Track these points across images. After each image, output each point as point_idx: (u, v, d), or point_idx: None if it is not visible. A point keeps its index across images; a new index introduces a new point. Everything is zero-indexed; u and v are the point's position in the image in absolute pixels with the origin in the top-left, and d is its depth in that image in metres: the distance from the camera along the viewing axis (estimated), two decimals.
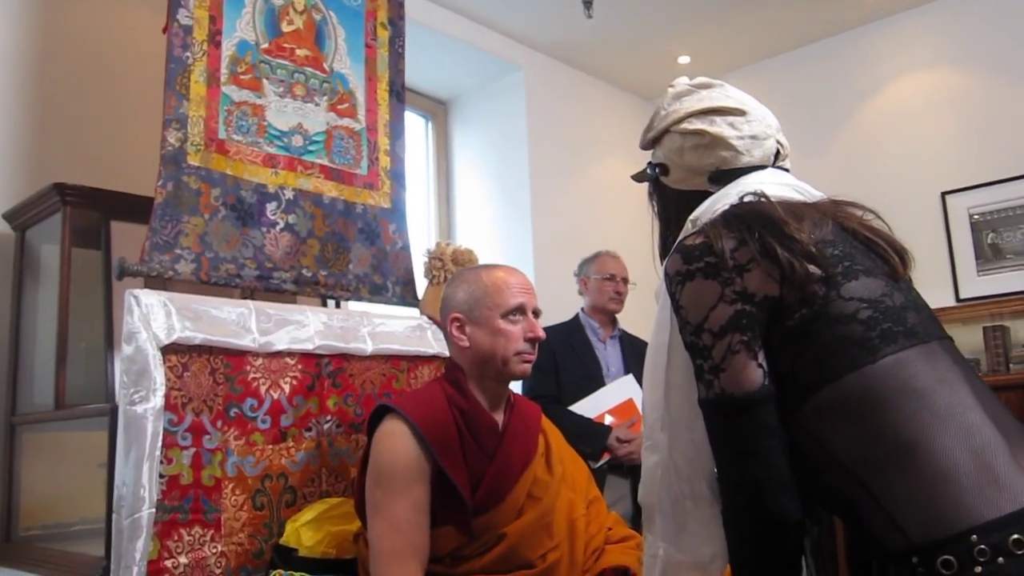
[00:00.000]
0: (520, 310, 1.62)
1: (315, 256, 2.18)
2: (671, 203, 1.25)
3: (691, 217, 1.16)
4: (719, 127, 1.19)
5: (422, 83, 4.03)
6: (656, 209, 1.29)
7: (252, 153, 2.09)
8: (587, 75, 4.43)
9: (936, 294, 3.61)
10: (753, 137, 1.19)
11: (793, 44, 4.24)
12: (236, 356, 1.81)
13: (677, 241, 1.11)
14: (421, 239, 3.76)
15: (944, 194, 3.69)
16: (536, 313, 1.66)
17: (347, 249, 2.26)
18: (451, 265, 2.30)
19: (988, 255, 3.56)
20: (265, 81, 2.16)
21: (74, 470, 2.20)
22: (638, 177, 1.32)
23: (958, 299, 3.60)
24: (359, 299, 2.28)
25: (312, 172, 2.23)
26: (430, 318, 2.27)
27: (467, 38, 3.82)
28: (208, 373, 1.74)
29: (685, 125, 1.21)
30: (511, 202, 4.00)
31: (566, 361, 2.82)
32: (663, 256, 1.24)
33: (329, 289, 2.20)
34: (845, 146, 4.06)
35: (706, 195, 1.18)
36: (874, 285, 1.01)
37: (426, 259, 2.37)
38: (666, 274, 1.07)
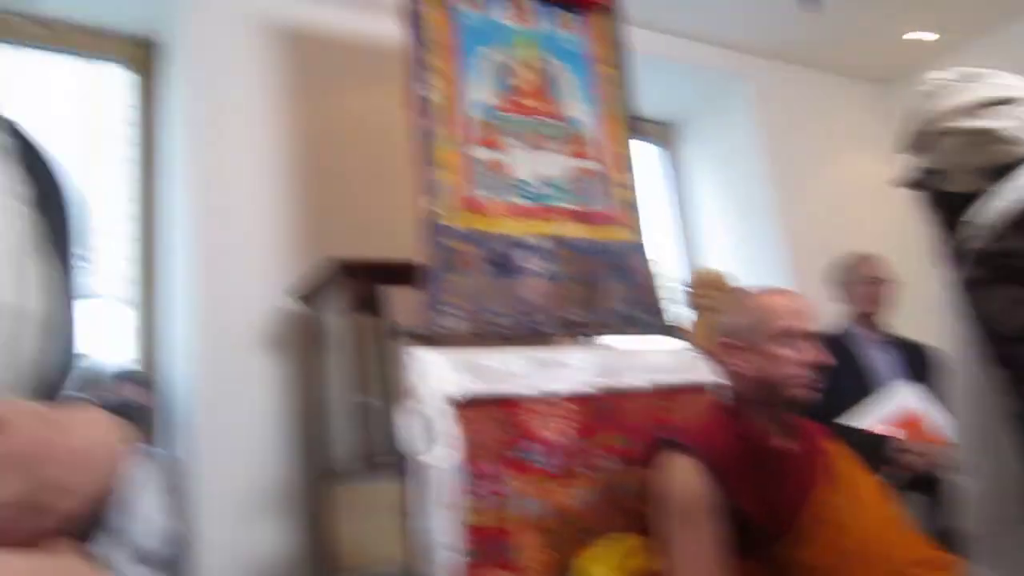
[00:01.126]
0: (789, 333, 1.57)
1: (571, 297, 2.24)
2: (947, 208, 1.16)
3: (972, 217, 1.07)
4: (990, 120, 1.10)
5: (650, 110, 4.05)
6: (930, 216, 1.20)
7: (502, 207, 2.20)
8: (815, 71, 4.23)
9: None
10: None
11: None
12: (514, 403, 1.89)
13: (965, 246, 1.03)
14: (670, 267, 3.76)
15: None
16: (810, 336, 1.59)
17: (598, 286, 2.30)
18: (710, 290, 2.28)
19: None
20: (505, 137, 2.26)
21: (375, 520, 2.39)
22: (908, 184, 1.24)
23: None
24: (615, 334, 2.30)
25: (559, 217, 2.29)
26: (701, 349, 2.25)
27: (688, 58, 3.80)
28: (492, 421, 1.83)
29: (952, 124, 1.12)
30: (755, 215, 3.89)
31: (833, 373, 2.69)
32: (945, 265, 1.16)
33: (587, 328, 2.24)
34: None
35: (981, 195, 1.09)
36: None
37: (687, 291, 2.36)
38: (963, 283, 1.00)
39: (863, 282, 2.77)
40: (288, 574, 2.48)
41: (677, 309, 2.39)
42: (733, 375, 1.61)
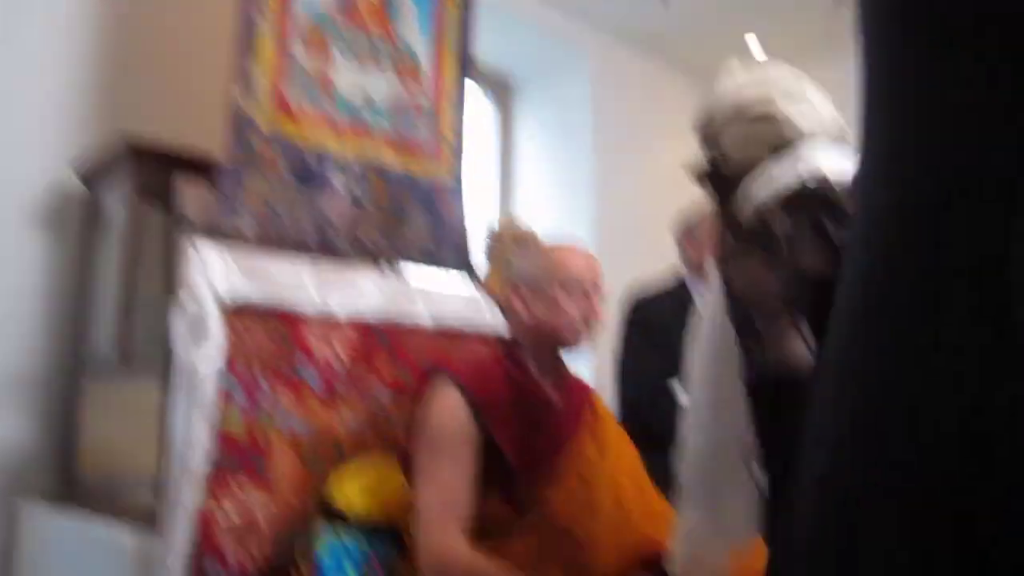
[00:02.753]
0: (575, 285, 1.61)
1: (375, 225, 2.19)
2: (723, 193, 1.21)
3: (741, 195, 1.13)
4: (780, 109, 1.15)
5: (488, 61, 4.02)
6: (712, 202, 1.26)
7: (317, 117, 2.11)
8: (653, 59, 4.37)
9: None
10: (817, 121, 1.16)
11: None
12: (292, 316, 1.82)
13: (731, 221, 1.08)
14: (480, 217, 3.76)
15: None
16: (594, 292, 1.64)
17: (405, 217, 2.27)
18: (513, 246, 2.30)
19: None
20: (334, 48, 2.17)
21: (134, 421, 2.25)
22: (695, 170, 1.29)
23: None
24: (414, 261, 2.28)
25: (375, 141, 2.23)
26: (492, 299, 2.27)
27: (534, 18, 3.80)
28: (264, 331, 1.76)
29: (744, 111, 1.17)
30: (573, 184, 3.98)
31: (673, 322, 2.46)
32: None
33: (388, 257, 2.20)
34: None
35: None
36: None
37: (487, 239, 2.36)
38: (722, 256, 1.05)
39: (703, 237, 2.78)
40: (24, 473, 2.28)
41: (479, 256, 2.40)
42: (514, 319, 1.64)
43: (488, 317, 2.24)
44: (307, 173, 2.06)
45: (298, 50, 2.09)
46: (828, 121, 1.15)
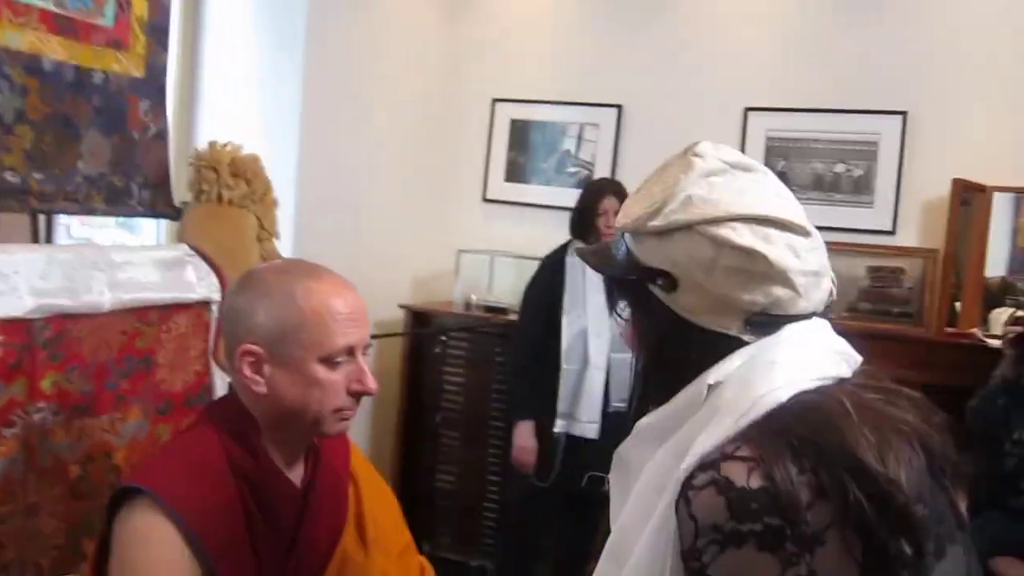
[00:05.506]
0: (349, 351, 1.17)
1: (26, 150, 1.50)
2: (669, 335, 0.86)
3: (710, 381, 0.79)
4: (780, 251, 0.81)
5: None
6: (640, 329, 0.90)
7: None
8: None
9: None
10: (815, 273, 0.84)
11: None
12: None
13: (707, 463, 0.74)
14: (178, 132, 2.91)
15: (747, 110, 3.56)
16: (362, 350, 1.20)
17: (76, 138, 1.59)
18: (228, 178, 1.73)
19: None
20: None
21: None
22: (610, 270, 0.91)
23: None
24: (91, 212, 1.65)
25: (27, 21, 1.49)
26: (193, 248, 1.71)
27: None
28: None
29: (725, 232, 0.81)
30: (278, 52, 3.20)
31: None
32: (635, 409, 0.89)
33: (46, 201, 1.55)
34: (654, 43, 3.73)
35: (728, 342, 0.82)
36: (956, 561, 0.75)
37: (192, 164, 1.76)
38: (689, 517, 0.72)
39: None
40: None
41: (181, 191, 1.81)
42: (249, 392, 1.17)
43: (195, 281, 1.71)
44: None
45: None
46: (823, 270, 0.87)
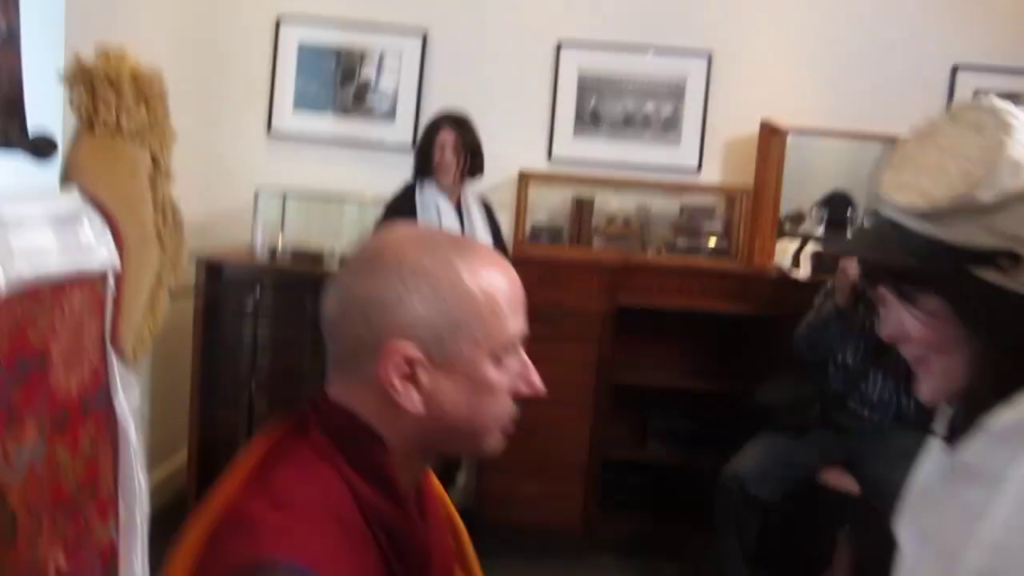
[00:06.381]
0: (516, 343, 0.90)
1: None
2: (1017, 320, 0.73)
3: None
4: None
5: None
6: (963, 320, 0.76)
7: None
8: None
9: (531, 152, 3.47)
10: None
11: None
12: None
13: None
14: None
15: (559, 47, 3.47)
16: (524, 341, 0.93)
17: None
18: (130, 99, 1.28)
19: (587, 119, 3.51)
20: None
21: None
22: (905, 260, 0.77)
23: (550, 158, 3.51)
24: None
25: None
26: (86, 197, 1.26)
27: None
28: None
29: None
30: None
31: None
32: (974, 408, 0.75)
33: None
34: None
35: None
36: None
37: (71, 77, 1.28)
38: None
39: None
40: None
41: (57, 116, 1.32)
42: (387, 410, 0.84)
43: (92, 243, 1.27)
44: None
45: None
46: None
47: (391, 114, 3.51)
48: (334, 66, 3.51)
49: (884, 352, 2.64)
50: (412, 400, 0.84)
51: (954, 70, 3.40)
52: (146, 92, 1.32)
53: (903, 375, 2.63)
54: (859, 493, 2.69)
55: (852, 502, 2.71)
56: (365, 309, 0.84)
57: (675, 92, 3.47)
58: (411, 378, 0.84)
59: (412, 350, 0.83)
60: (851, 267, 2.60)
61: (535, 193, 3.43)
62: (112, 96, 1.26)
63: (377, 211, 2.99)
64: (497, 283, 0.87)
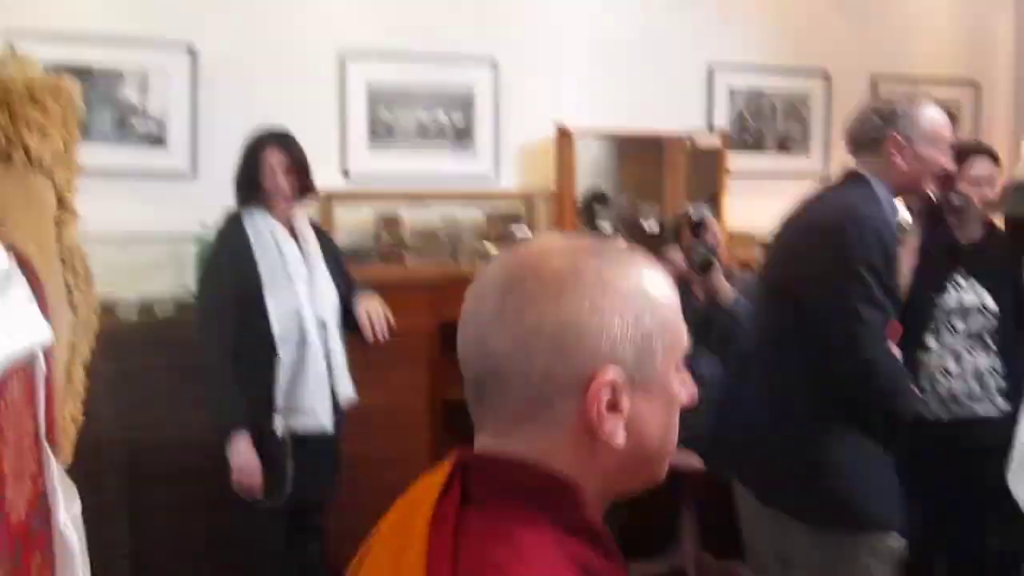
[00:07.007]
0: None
1: None
2: None
3: None
4: None
5: None
6: None
7: None
8: None
9: (325, 171, 3.29)
10: None
11: None
12: None
13: None
14: None
15: (344, 59, 3.31)
16: None
17: None
18: (57, 119, 1.01)
19: (381, 133, 3.38)
20: None
21: None
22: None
23: (347, 176, 3.34)
24: None
25: None
26: (6, 246, 0.97)
27: None
28: None
29: None
30: None
31: None
32: None
33: None
34: None
35: None
36: None
37: None
38: None
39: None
40: None
41: None
42: (584, 448, 0.72)
43: (23, 306, 0.98)
44: None
45: None
46: None
47: (160, 140, 3.14)
48: (89, 88, 3.06)
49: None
50: (617, 432, 0.75)
51: (711, 70, 3.75)
52: (65, 111, 1.03)
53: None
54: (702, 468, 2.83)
55: (695, 477, 2.85)
56: (556, 339, 0.73)
57: (465, 101, 3.46)
58: (613, 407, 0.75)
59: (618, 375, 0.74)
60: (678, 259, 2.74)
61: (336, 213, 3.25)
62: (37, 115, 0.97)
63: (171, 249, 2.66)
64: (668, 285, 0.80)
